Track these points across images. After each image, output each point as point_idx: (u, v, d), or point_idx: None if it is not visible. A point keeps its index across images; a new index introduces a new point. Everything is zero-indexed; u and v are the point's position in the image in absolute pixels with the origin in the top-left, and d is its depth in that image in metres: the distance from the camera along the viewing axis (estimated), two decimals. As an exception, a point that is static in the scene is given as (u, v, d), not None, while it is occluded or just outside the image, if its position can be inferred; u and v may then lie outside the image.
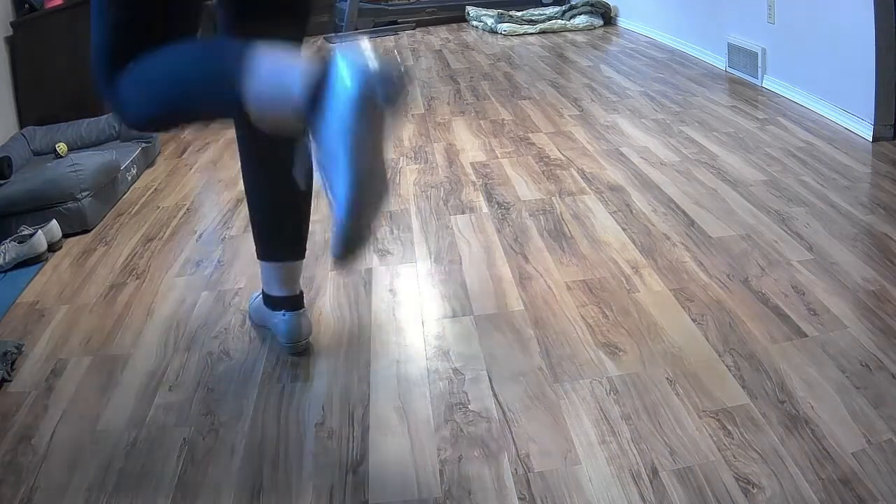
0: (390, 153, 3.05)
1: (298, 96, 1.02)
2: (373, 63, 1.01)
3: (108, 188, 2.68)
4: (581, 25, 5.61)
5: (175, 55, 1.14)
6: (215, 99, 1.12)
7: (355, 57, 1.01)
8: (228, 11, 1.44)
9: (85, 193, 2.49)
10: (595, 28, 5.64)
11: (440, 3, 6.56)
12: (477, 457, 1.32)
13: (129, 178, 2.92)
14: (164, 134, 3.44)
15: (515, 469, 1.28)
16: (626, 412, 1.39)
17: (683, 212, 2.22)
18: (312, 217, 2.42)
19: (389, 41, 5.90)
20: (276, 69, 1.06)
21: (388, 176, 1.26)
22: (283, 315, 1.66)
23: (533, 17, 5.85)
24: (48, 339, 1.84)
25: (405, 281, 1.96)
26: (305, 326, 1.68)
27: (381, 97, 1.01)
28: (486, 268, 1.99)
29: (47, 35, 3.29)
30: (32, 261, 2.27)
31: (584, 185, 2.50)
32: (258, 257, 1.68)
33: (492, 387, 1.50)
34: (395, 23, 6.45)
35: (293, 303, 1.67)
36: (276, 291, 1.67)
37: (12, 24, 3.27)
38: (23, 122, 3.29)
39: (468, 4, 6.41)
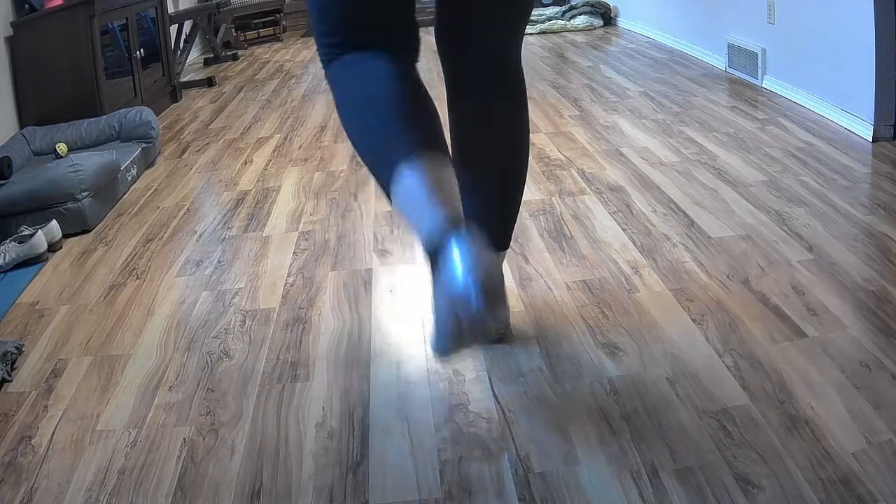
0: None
1: (421, 237, 1.06)
2: (481, 276, 1.00)
3: (108, 188, 2.68)
4: (581, 26, 5.61)
5: (361, 109, 1.22)
6: (375, 174, 1.20)
7: (471, 260, 1.00)
8: None
9: (85, 193, 2.49)
10: (595, 28, 5.64)
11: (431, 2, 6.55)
12: (477, 457, 1.32)
13: (129, 178, 2.92)
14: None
15: (515, 469, 1.28)
16: (626, 412, 1.39)
17: (683, 212, 2.22)
18: (312, 217, 2.44)
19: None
20: (411, 198, 1.09)
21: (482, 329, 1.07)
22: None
23: (533, 18, 5.85)
24: (48, 339, 1.84)
25: (405, 281, 1.96)
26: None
27: (474, 311, 0.99)
28: (486, 268, 1.98)
29: (47, 35, 3.29)
30: (32, 261, 2.27)
31: (584, 185, 2.50)
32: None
33: (492, 387, 1.50)
34: (395, 23, 6.43)
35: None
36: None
37: (12, 24, 3.27)
38: (23, 122, 3.29)
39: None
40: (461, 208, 1.11)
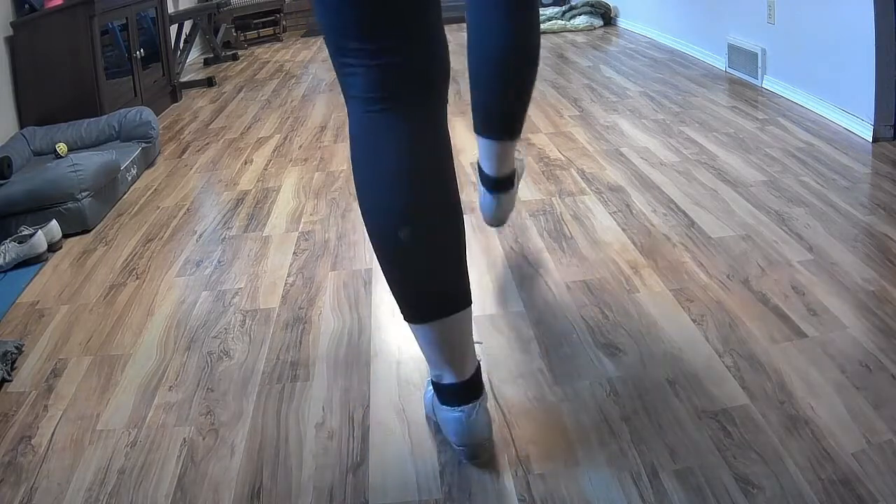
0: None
1: (429, 367, 1.30)
2: (474, 444, 1.27)
3: (108, 188, 2.68)
4: (581, 26, 5.61)
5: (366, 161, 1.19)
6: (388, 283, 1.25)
7: (467, 432, 1.26)
8: None
9: (85, 193, 2.49)
10: (595, 28, 5.64)
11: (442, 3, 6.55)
12: (477, 458, 1.31)
13: (129, 178, 2.92)
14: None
15: (515, 470, 1.28)
16: (626, 413, 1.39)
17: (683, 212, 2.22)
18: (312, 217, 2.44)
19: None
20: (426, 346, 1.26)
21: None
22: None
23: (533, 18, 5.84)
24: (48, 339, 1.84)
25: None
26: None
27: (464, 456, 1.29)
28: (486, 268, 1.99)
29: (47, 35, 3.29)
30: (32, 261, 2.27)
31: (584, 185, 2.50)
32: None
33: (492, 388, 1.50)
34: (395, 23, 6.43)
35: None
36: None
37: (12, 24, 3.27)
38: (23, 122, 3.29)
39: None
40: (474, 363, 1.27)
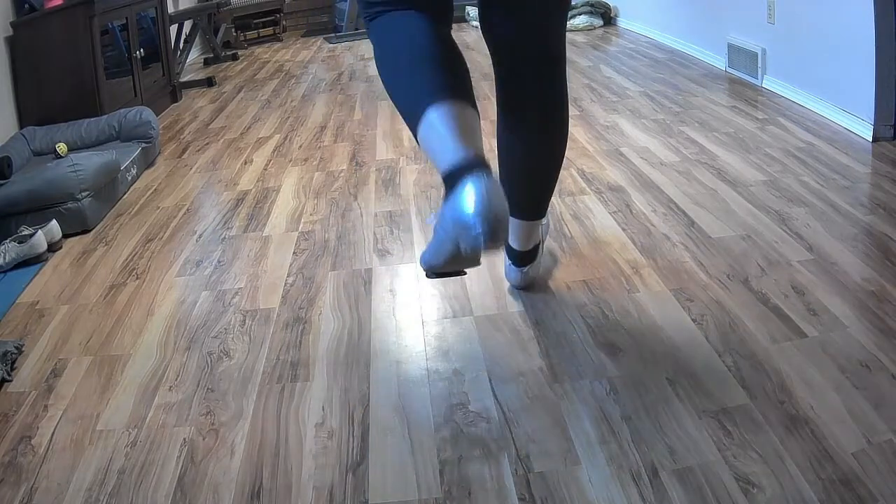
0: (392, 154, 3.05)
1: (442, 168, 1.20)
2: (490, 211, 1.12)
3: (108, 188, 2.68)
4: (581, 25, 5.61)
5: (393, 63, 1.38)
6: (407, 118, 1.33)
7: (484, 195, 1.12)
8: None
9: (85, 193, 2.49)
10: (595, 28, 5.64)
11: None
12: (477, 457, 1.32)
13: (129, 178, 2.92)
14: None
15: (515, 469, 1.28)
16: (627, 412, 1.39)
17: (683, 212, 2.22)
18: (312, 217, 2.44)
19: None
20: (435, 135, 1.23)
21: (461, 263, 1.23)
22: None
23: (533, 18, 5.85)
24: (48, 339, 1.84)
25: (405, 281, 1.96)
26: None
27: (474, 240, 1.13)
28: (486, 268, 1.99)
29: (47, 35, 3.29)
30: (32, 261, 2.27)
31: (584, 185, 2.50)
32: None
33: (492, 387, 1.50)
34: (395, 23, 6.43)
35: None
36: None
37: (12, 24, 3.27)
38: (23, 122, 3.29)
39: (468, 5, 6.40)
40: (481, 147, 1.24)
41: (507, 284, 1.89)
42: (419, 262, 1.49)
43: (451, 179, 1.17)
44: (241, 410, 1.50)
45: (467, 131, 1.22)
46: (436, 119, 1.23)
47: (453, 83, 1.30)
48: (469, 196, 1.12)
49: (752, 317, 1.65)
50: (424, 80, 1.31)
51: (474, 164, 1.16)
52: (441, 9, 1.43)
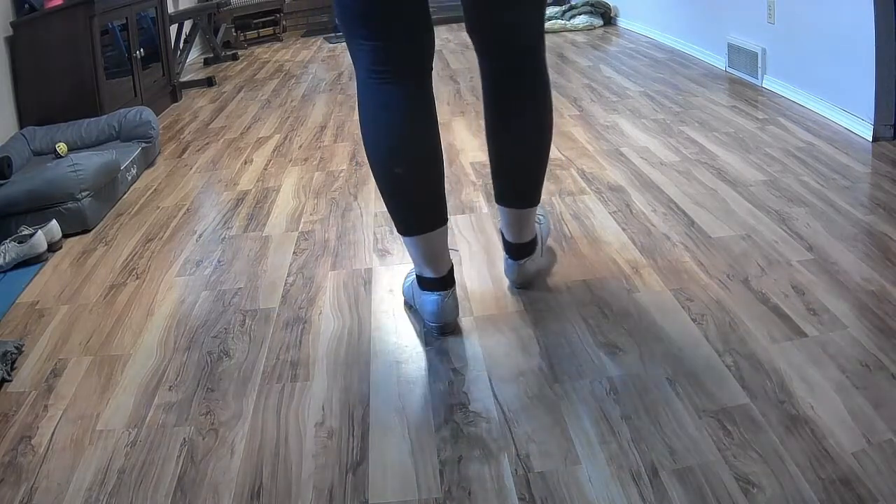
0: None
1: (415, 267, 1.73)
2: (443, 322, 1.70)
3: (108, 188, 2.68)
4: (581, 25, 5.61)
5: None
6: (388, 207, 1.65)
7: (441, 311, 1.68)
8: None
9: (85, 193, 2.49)
10: (595, 28, 5.64)
11: (440, 3, 6.56)
12: (477, 457, 1.32)
13: (129, 178, 2.92)
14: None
15: (515, 469, 1.28)
16: (626, 412, 1.39)
17: (683, 212, 2.22)
18: (312, 217, 2.44)
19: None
20: (412, 249, 1.67)
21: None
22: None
23: (533, 18, 5.84)
24: (48, 339, 1.84)
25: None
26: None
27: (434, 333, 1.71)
28: (486, 268, 1.99)
29: (47, 35, 3.29)
30: (32, 261, 2.27)
31: (584, 185, 2.50)
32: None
33: (492, 387, 1.50)
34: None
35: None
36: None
37: (12, 24, 3.27)
38: (23, 122, 3.29)
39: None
40: (448, 263, 1.67)
41: (506, 284, 1.89)
42: (403, 289, 1.87)
43: (422, 282, 1.68)
44: (241, 410, 1.50)
45: (439, 256, 1.65)
46: (415, 243, 1.63)
47: (431, 211, 1.61)
48: (432, 306, 1.67)
49: (752, 317, 1.65)
50: (404, 211, 1.62)
51: (441, 284, 1.66)
52: (422, 69, 1.54)
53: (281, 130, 3.57)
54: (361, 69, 1.53)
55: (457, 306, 1.71)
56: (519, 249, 1.81)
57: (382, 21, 1.46)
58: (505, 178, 1.73)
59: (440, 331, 1.69)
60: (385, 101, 1.53)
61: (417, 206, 1.61)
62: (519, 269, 1.84)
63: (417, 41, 1.51)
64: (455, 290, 1.70)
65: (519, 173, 1.72)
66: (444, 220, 1.63)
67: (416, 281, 1.72)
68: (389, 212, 1.64)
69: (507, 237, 1.80)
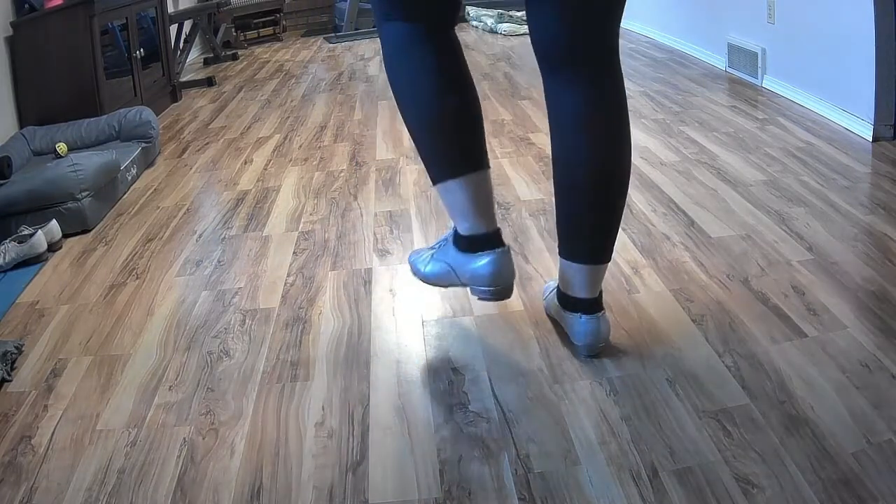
0: (392, 154, 3.05)
1: (461, 230, 1.53)
2: (499, 286, 1.51)
3: (108, 188, 2.68)
4: (581, 25, 5.60)
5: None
6: (424, 158, 1.53)
7: (499, 272, 1.50)
8: None
9: (85, 193, 2.49)
10: (595, 28, 5.63)
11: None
12: (477, 457, 1.32)
13: (129, 178, 2.92)
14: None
15: (515, 469, 1.28)
16: (626, 413, 1.39)
17: (683, 212, 2.22)
18: (312, 217, 2.44)
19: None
20: (455, 200, 1.49)
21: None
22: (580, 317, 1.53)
23: (533, 17, 5.84)
24: (48, 339, 1.84)
25: (405, 281, 1.96)
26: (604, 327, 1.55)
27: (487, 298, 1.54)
28: (486, 268, 1.98)
29: (47, 35, 3.28)
30: (32, 261, 2.27)
31: (584, 185, 2.50)
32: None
33: (492, 387, 1.50)
34: (395, 23, 6.43)
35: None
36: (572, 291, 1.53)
37: (12, 24, 3.27)
38: (23, 122, 3.29)
39: (468, 4, 6.41)
40: (496, 219, 1.50)
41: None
42: (409, 261, 1.74)
43: (471, 244, 1.50)
44: (241, 410, 1.50)
45: (486, 206, 1.48)
46: (457, 189, 1.46)
47: (470, 150, 1.47)
48: (488, 267, 1.48)
49: (752, 317, 1.65)
50: (442, 149, 1.48)
51: (494, 241, 1.49)
52: (448, 15, 1.48)
53: (281, 130, 3.57)
54: (393, 22, 1.46)
55: (513, 265, 1.53)
56: (594, 303, 1.55)
57: None
58: (580, 226, 1.51)
59: (500, 295, 1.51)
60: (421, 49, 1.45)
61: (468, 141, 1.47)
62: (599, 324, 1.55)
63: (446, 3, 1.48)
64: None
65: (590, 226, 1.52)
66: (489, 164, 1.50)
67: (456, 250, 1.53)
68: (432, 157, 1.49)
69: (578, 295, 1.54)
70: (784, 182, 2.37)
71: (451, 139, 1.46)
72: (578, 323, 1.54)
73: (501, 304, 1.80)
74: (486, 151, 1.49)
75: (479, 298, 1.54)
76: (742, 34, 3.68)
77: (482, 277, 1.50)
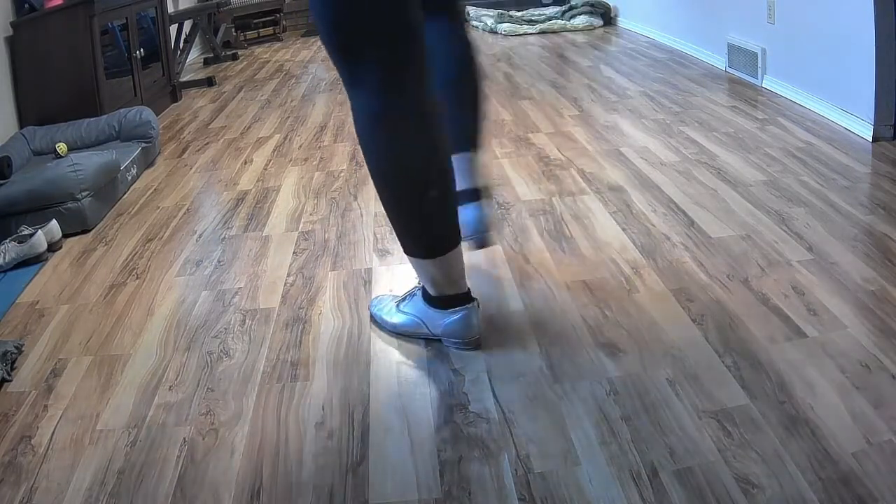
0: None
1: (432, 290, 1.63)
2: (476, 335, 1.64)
3: (108, 188, 2.68)
4: (581, 25, 5.61)
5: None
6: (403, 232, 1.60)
7: (476, 326, 1.64)
8: None
9: (85, 193, 2.49)
10: (595, 28, 5.64)
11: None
12: (477, 457, 1.32)
13: (129, 178, 2.92)
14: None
15: (515, 469, 1.28)
16: (626, 413, 1.39)
17: (683, 212, 2.22)
18: (312, 217, 2.44)
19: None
20: (434, 271, 1.59)
21: None
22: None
23: (533, 18, 5.85)
24: (48, 339, 1.84)
25: (405, 281, 1.96)
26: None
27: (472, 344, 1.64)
28: (486, 268, 1.99)
29: (47, 35, 3.28)
30: (32, 261, 2.27)
31: (584, 185, 2.50)
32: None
33: (492, 387, 1.50)
34: (395, 23, 6.44)
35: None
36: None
37: (12, 24, 3.27)
38: (23, 122, 3.29)
39: (468, 4, 6.41)
40: (465, 278, 1.61)
41: (506, 284, 1.89)
42: (371, 311, 1.79)
43: (442, 302, 1.60)
44: (241, 410, 1.50)
45: (461, 274, 1.60)
46: (448, 262, 1.55)
47: (457, 224, 1.55)
48: (461, 323, 1.60)
49: (752, 317, 1.65)
50: (444, 226, 1.53)
51: (465, 298, 1.60)
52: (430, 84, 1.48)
53: (281, 130, 3.57)
54: (365, 92, 1.45)
55: (479, 318, 1.66)
56: (480, 192, 1.87)
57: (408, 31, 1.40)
58: (469, 123, 1.81)
59: (473, 346, 1.62)
60: (404, 123, 1.44)
61: (454, 217, 1.55)
62: (487, 212, 1.88)
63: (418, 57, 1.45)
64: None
65: (467, 118, 1.83)
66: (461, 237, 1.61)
67: (427, 305, 1.63)
68: (423, 237, 1.54)
69: (469, 185, 1.83)
70: (784, 182, 2.37)
71: (451, 214, 1.55)
72: (473, 214, 1.83)
73: (501, 304, 1.80)
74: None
75: (453, 349, 1.64)
76: (742, 34, 3.68)
77: (455, 332, 1.61)
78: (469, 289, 1.62)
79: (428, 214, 1.50)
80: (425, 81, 1.44)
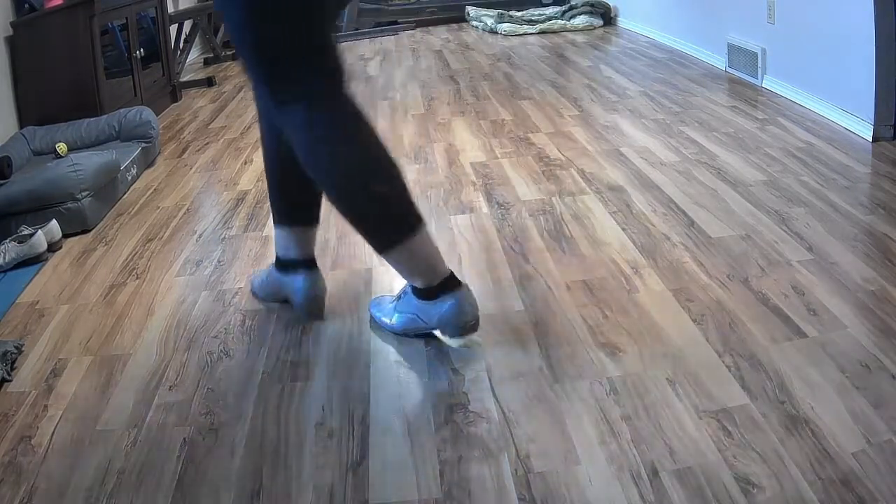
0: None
1: (416, 282, 1.64)
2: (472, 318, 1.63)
3: (108, 188, 2.68)
4: (581, 25, 5.61)
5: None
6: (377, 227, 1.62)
7: (471, 308, 1.62)
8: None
9: (85, 193, 2.49)
10: (595, 28, 5.64)
11: (440, 3, 6.56)
12: (477, 457, 1.32)
13: (129, 178, 2.92)
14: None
15: (515, 469, 1.28)
16: (626, 412, 1.39)
17: (683, 212, 2.22)
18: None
19: (390, 41, 5.90)
20: (412, 256, 1.60)
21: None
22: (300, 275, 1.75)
23: (533, 18, 5.85)
24: (48, 339, 1.84)
25: (405, 281, 1.96)
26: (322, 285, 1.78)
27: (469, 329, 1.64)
28: (485, 268, 1.99)
29: (47, 35, 3.28)
30: (32, 261, 2.27)
31: (584, 185, 2.50)
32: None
33: (492, 387, 1.50)
34: (396, 23, 6.45)
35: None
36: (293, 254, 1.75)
37: (12, 24, 3.27)
38: (23, 122, 3.29)
39: (468, 4, 6.41)
40: (443, 261, 1.61)
41: (506, 285, 1.89)
42: (373, 315, 1.77)
43: (429, 293, 1.60)
44: (241, 410, 1.50)
45: (437, 252, 1.59)
46: (422, 242, 1.55)
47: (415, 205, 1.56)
48: (453, 310, 1.58)
49: (752, 317, 1.65)
50: (405, 208, 1.55)
51: (451, 284, 1.59)
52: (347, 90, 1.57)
53: (281, 130, 3.56)
54: (326, 84, 1.52)
55: (475, 299, 1.65)
56: (312, 262, 1.86)
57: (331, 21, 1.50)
58: (285, 200, 1.85)
59: (470, 331, 1.62)
60: (345, 129, 1.55)
61: (408, 193, 1.57)
62: (316, 281, 1.83)
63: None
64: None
65: (296, 194, 1.84)
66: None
67: (418, 299, 1.63)
68: (386, 226, 1.57)
69: (295, 256, 1.84)
70: (784, 182, 2.37)
71: (409, 197, 1.57)
72: (303, 280, 1.81)
73: (501, 305, 1.80)
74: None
75: (451, 338, 1.65)
76: (742, 34, 3.68)
77: (448, 320, 1.61)
78: (452, 272, 1.62)
79: (385, 197, 1.54)
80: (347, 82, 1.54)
